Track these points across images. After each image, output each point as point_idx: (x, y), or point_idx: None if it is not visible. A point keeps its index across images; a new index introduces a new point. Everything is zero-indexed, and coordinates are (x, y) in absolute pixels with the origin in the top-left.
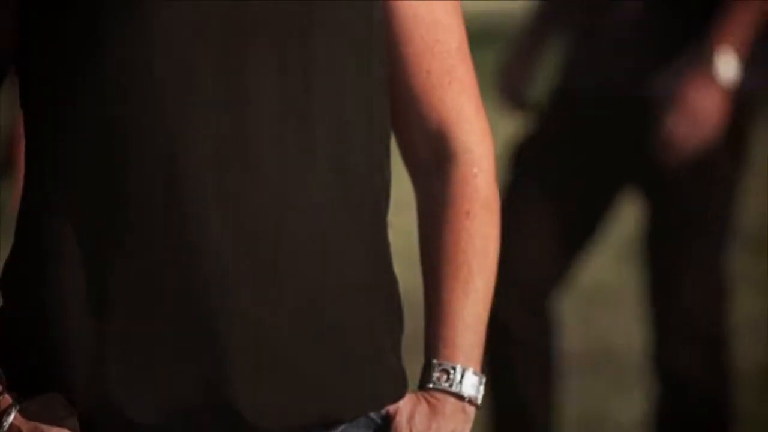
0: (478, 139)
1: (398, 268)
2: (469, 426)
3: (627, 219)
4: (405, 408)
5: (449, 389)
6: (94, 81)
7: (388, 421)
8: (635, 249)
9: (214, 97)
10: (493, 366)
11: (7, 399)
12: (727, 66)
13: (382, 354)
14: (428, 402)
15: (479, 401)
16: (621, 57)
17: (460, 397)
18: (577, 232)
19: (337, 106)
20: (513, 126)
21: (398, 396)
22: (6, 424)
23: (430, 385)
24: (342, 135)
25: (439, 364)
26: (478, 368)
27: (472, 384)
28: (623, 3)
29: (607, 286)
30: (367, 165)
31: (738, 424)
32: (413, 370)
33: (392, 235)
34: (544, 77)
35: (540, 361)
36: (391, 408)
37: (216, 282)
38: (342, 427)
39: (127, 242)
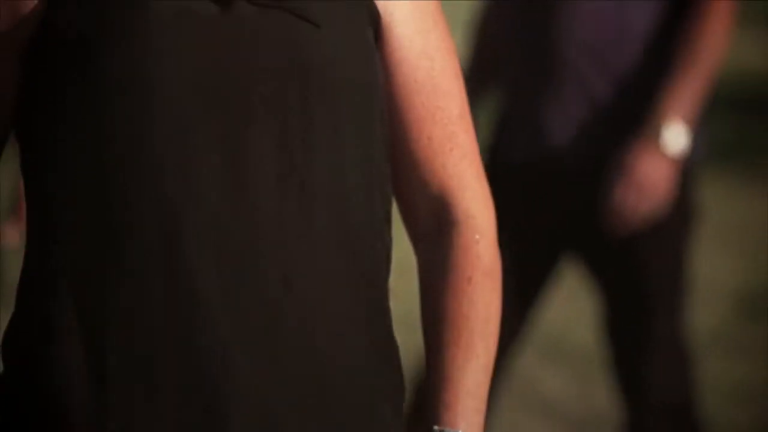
0: (480, 206)
1: (398, 333)
2: None
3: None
4: None
5: None
6: (94, 152)
7: None
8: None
9: (214, 168)
10: None
11: None
12: (676, 137)
13: (384, 421)
14: None
15: None
16: (564, 123)
17: None
18: (524, 294)
19: (338, 174)
20: None
21: None
22: None
23: None
24: (342, 203)
25: (441, 431)
26: None
27: None
28: (566, 69)
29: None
30: (367, 232)
31: None
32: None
33: (392, 299)
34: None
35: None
36: None
37: (216, 354)
38: None
39: (127, 313)
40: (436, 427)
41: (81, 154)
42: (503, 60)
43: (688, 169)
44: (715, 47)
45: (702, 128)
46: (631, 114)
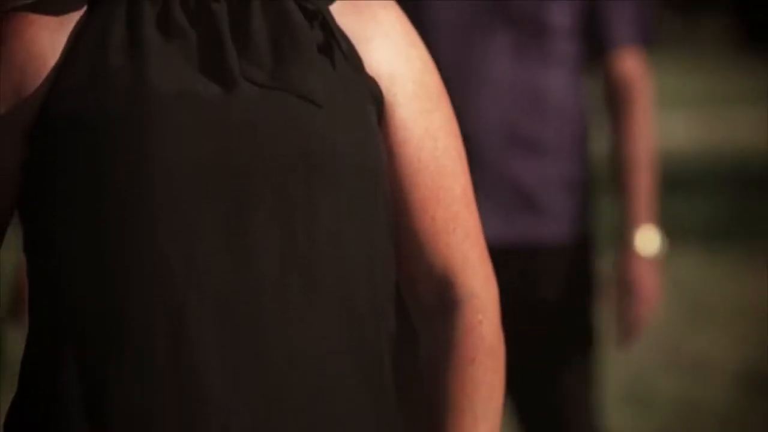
0: (483, 286)
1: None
2: None
3: None
4: None
5: None
6: (97, 234)
7: None
8: None
9: (217, 251)
10: None
11: None
12: (649, 240)
13: None
14: None
15: None
16: (488, 210)
17: None
18: None
19: (341, 256)
20: None
21: None
22: None
23: None
24: (345, 284)
25: None
26: None
27: None
28: (485, 153)
29: None
30: (371, 312)
31: None
32: None
33: None
34: None
35: None
36: None
37: None
38: None
39: (129, 396)
40: None
41: (84, 236)
42: None
43: (590, 243)
44: (648, 140)
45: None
46: (553, 189)
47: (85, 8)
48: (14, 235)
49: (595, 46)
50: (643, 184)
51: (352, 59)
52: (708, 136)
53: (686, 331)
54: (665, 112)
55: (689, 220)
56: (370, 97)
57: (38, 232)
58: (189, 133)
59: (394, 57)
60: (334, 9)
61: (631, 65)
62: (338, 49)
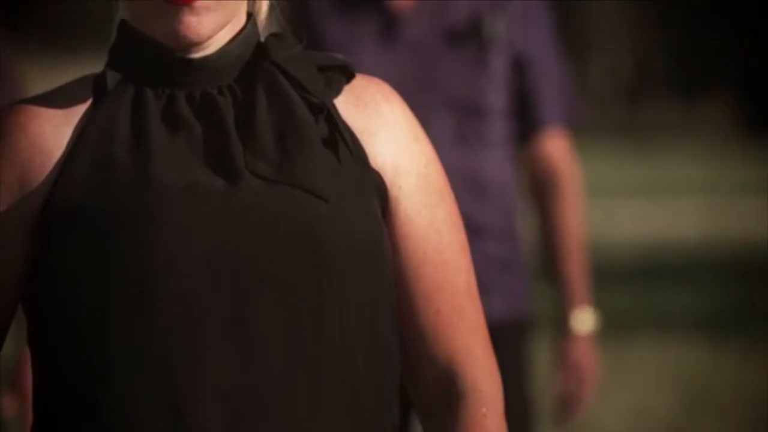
0: (487, 379)
1: None
2: None
3: None
4: None
5: None
6: (101, 326)
7: None
8: None
9: (221, 344)
10: None
11: None
12: (584, 319)
13: None
14: None
15: None
16: None
17: None
18: None
19: (346, 349)
20: None
21: None
22: None
23: None
24: (350, 377)
25: None
26: None
27: None
28: None
29: None
30: (375, 404)
31: None
32: None
33: None
34: None
35: None
36: None
37: None
38: None
39: None
40: None
41: (87, 329)
42: None
43: (528, 322)
44: (577, 222)
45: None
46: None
47: (90, 101)
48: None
49: (522, 128)
50: (576, 265)
51: (357, 153)
52: (710, 225)
53: (688, 421)
54: (665, 200)
55: (691, 310)
56: (375, 191)
57: (42, 325)
58: (194, 226)
59: (398, 151)
60: (339, 102)
61: (557, 147)
62: (343, 143)
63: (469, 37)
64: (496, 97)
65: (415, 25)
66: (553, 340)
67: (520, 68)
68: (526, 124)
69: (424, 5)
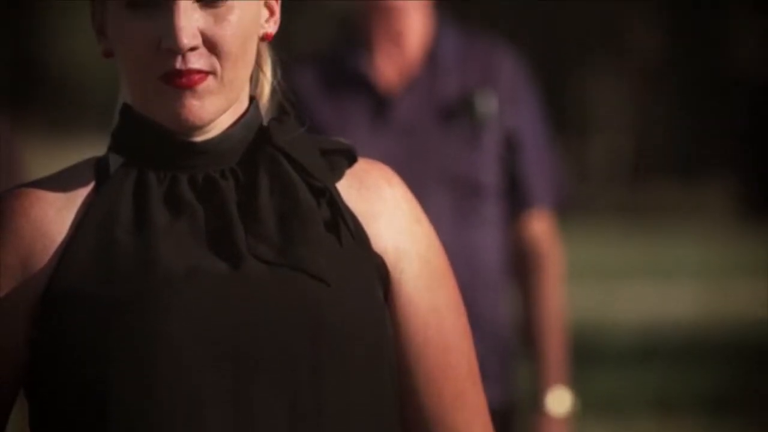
0: None
1: None
2: None
3: None
4: None
5: None
6: (102, 408)
7: None
8: None
9: (224, 428)
10: None
11: None
12: (559, 400)
13: None
14: None
15: None
16: None
17: None
18: None
19: (347, 430)
20: None
21: None
22: None
23: None
24: None
25: None
26: None
27: None
28: None
29: None
30: None
31: None
32: None
33: None
34: None
35: None
36: None
37: None
38: None
39: None
40: None
41: (90, 412)
42: None
43: (512, 407)
44: (558, 303)
45: None
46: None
47: (92, 185)
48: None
49: (509, 207)
50: (554, 345)
51: (359, 236)
52: (711, 305)
53: None
54: (666, 280)
55: (691, 391)
56: (377, 274)
57: (44, 407)
58: (197, 310)
59: (400, 234)
60: (341, 186)
61: (541, 228)
62: (345, 227)
63: (460, 115)
64: (490, 175)
65: (406, 105)
66: (528, 420)
67: (510, 147)
68: (512, 204)
69: (413, 85)
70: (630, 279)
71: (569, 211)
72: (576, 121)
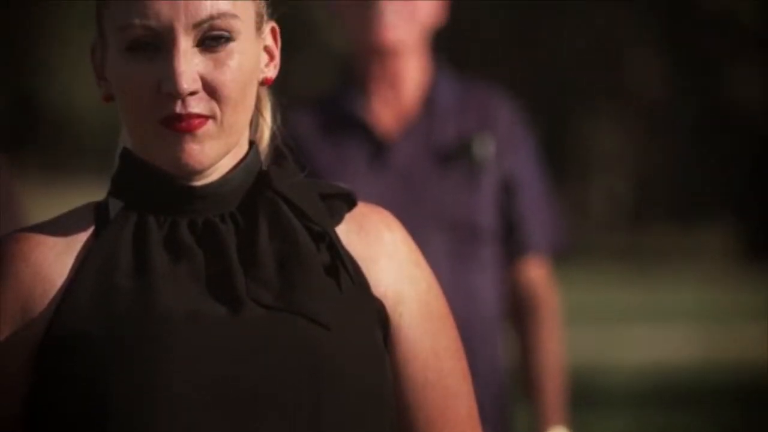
0: None
1: None
2: None
3: None
4: None
5: None
6: None
7: None
8: None
9: None
10: None
11: None
12: None
13: None
14: None
15: None
16: None
17: None
18: None
19: None
20: None
21: None
22: None
23: None
24: None
25: None
26: None
27: None
28: None
29: None
30: None
31: None
32: None
33: None
34: None
35: None
36: None
37: None
38: None
39: None
40: None
41: None
42: None
43: None
44: (556, 347)
45: None
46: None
47: (92, 229)
48: None
49: (505, 252)
50: (552, 390)
51: (358, 280)
52: (710, 349)
53: None
54: (666, 324)
55: None
56: (376, 318)
57: None
58: (196, 354)
59: (400, 278)
60: (340, 230)
61: (538, 273)
62: (344, 271)
63: (458, 159)
64: (487, 219)
65: (404, 149)
66: None
67: (507, 191)
68: (509, 249)
69: (411, 129)
70: (630, 322)
71: (570, 254)
72: (576, 165)
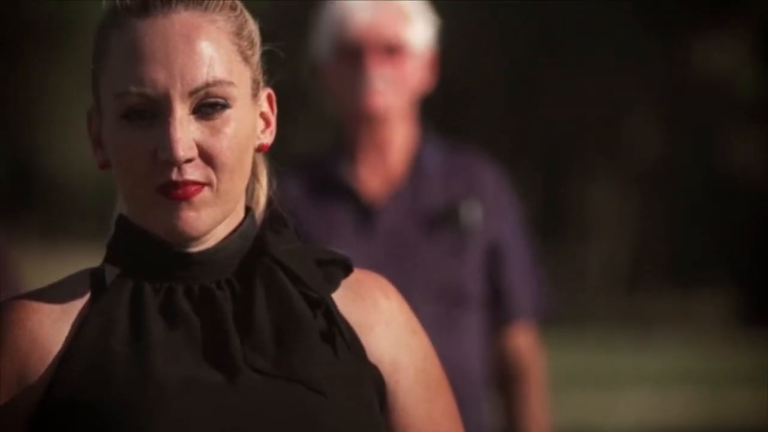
0: None
1: None
2: None
3: None
4: None
5: None
6: None
7: None
8: None
9: None
10: None
11: None
12: None
13: None
14: None
15: None
16: None
17: None
18: None
19: None
20: None
21: None
22: None
23: None
24: None
25: None
26: None
27: None
28: None
29: None
30: None
31: None
32: None
33: None
34: None
35: None
36: None
37: None
38: None
39: None
40: None
41: None
42: None
43: None
44: (541, 414)
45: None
46: None
47: (88, 296)
48: None
49: (492, 318)
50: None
51: (355, 347)
52: (706, 414)
53: None
54: (662, 389)
55: None
56: (373, 384)
57: None
58: (192, 421)
59: (396, 345)
60: (337, 297)
61: (524, 340)
62: (341, 337)
63: (444, 225)
64: (474, 285)
65: (391, 215)
66: None
67: (494, 258)
68: (495, 315)
69: (398, 195)
70: (626, 387)
71: (564, 318)
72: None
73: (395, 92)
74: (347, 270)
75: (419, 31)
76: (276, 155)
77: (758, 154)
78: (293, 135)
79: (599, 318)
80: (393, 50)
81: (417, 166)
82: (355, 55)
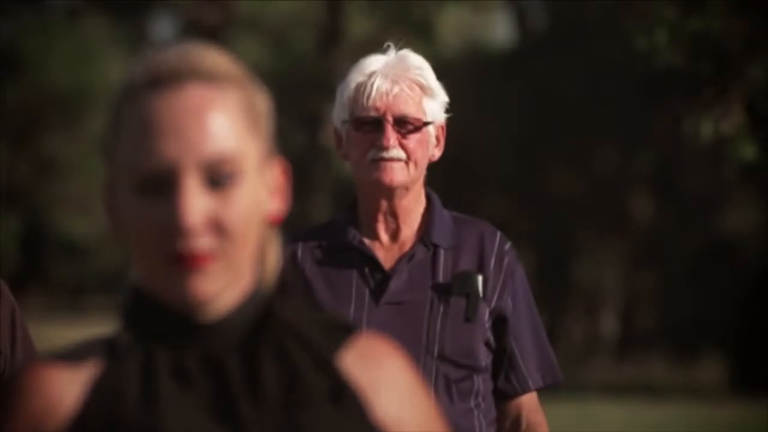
0: None
1: None
2: None
3: None
4: None
5: None
6: None
7: None
8: None
9: None
10: None
11: None
12: None
13: None
14: None
15: None
16: None
17: None
18: None
19: None
20: None
21: None
22: None
23: None
24: None
25: None
26: None
27: None
28: None
29: None
30: None
31: None
32: None
33: None
34: None
35: None
36: None
37: None
38: None
39: None
40: None
41: None
42: None
43: None
44: None
45: None
46: None
47: (101, 361)
48: None
49: (498, 387)
50: None
51: (360, 407)
52: None
53: None
54: None
55: None
56: None
57: None
58: None
59: (400, 404)
60: (344, 359)
61: (530, 409)
62: (347, 400)
63: (453, 294)
64: (481, 354)
65: (399, 283)
66: None
67: (501, 327)
68: (502, 383)
69: (407, 264)
70: None
71: (561, 386)
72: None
73: (411, 164)
74: (354, 334)
75: (434, 104)
76: (296, 223)
77: (753, 224)
78: (314, 202)
79: (591, 387)
80: (409, 122)
81: (426, 235)
82: (372, 125)
